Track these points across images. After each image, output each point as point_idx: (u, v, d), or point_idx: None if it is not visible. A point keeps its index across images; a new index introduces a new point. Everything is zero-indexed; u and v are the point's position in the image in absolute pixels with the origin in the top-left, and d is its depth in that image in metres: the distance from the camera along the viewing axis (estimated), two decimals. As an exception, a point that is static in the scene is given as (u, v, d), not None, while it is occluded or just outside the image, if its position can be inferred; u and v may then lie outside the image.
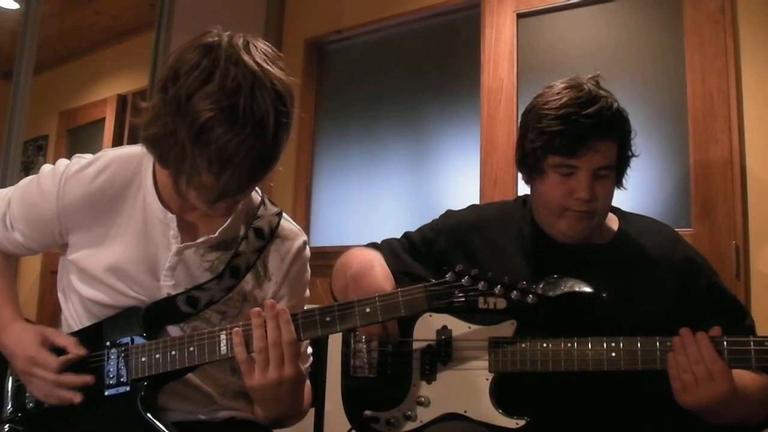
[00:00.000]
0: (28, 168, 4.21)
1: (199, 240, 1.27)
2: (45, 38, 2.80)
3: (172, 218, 1.26)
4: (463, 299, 1.15)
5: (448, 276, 1.16)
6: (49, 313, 3.68)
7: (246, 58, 1.05)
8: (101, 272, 1.27)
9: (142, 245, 1.27)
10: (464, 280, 1.15)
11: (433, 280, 1.18)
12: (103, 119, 3.89)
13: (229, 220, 1.28)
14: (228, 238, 1.30)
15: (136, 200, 1.28)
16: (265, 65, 1.06)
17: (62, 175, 1.27)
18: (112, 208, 1.27)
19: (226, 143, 1.01)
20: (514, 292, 1.15)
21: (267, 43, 1.12)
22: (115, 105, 3.82)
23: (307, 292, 1.42)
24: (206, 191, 1.09)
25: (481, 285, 1.15)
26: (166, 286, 1.27)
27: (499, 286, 1.15)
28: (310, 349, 1.43)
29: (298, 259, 1.36)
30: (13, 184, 1.38)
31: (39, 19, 2.62)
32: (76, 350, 1.25)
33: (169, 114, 1.04)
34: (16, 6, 3.44)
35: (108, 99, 3.89)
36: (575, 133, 1.30)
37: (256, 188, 1.37)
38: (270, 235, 1.32)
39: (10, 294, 1.34)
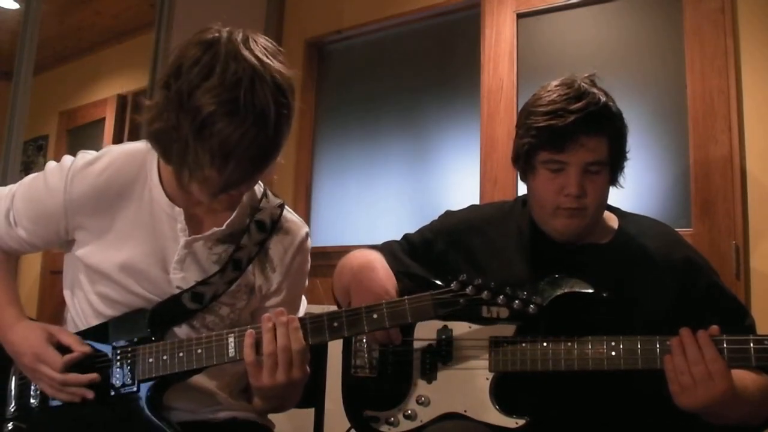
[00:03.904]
0: (28, 168, 4.20)
1: (208, 233, 1.28)
2: (45, 38, 2.80)
3: (179, 212, 1.27)
4: (468, 308, 1.17)
5: (453, 285, 1.17)
6: (49, 313, 3.67)
7: (245, 52, 1.06)
8: (110, 268, 1.28)
9: (151, 239, 1.28)
10: (468, 290, 1.17)
11: (438, 282, 1.19)
12: (103, 119, 3.89)
13: (235, 213, 1.29)
14: (235, 231, 1.31)
15: (143, 195, 1.29)
16: (264, 59, 1.08)
17: (69, 170, 1.28)
18: (118, 203, 1.28)
19: (228, 136, 1.03)
20: (516, 302, 1.17)
21: (267, 38, 1.14)
22: (115, 105, 3.82)
23: (306, 281, 1.44)
24: (209, 184, 1.10)
25: (484, 294, 1.16)
26: (176, 279, 1.28)
27: (501, 296, 1.17)
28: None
29: (300, 252, 1.38)
30: (13, 184, 1.38)
31: (39, 19, 2.62)
32: (80, 348, 1.25)
33: (172, 110, 1.05)
34: (16, 6, 3.44)
35: (108, 99, 3.89)
36: (562, 127, 1.30)
37: (259, 181, 1.39)
38: (271, 227, 1.33)
39: (13, 294, 1.35)
